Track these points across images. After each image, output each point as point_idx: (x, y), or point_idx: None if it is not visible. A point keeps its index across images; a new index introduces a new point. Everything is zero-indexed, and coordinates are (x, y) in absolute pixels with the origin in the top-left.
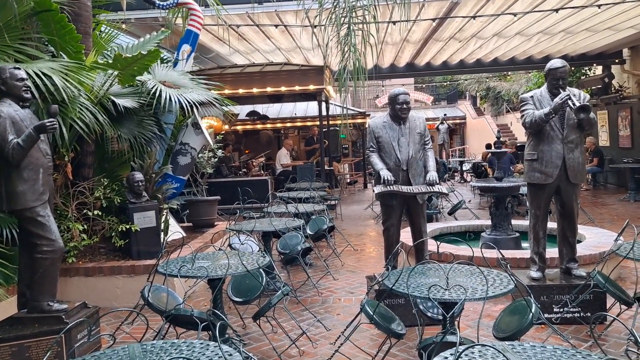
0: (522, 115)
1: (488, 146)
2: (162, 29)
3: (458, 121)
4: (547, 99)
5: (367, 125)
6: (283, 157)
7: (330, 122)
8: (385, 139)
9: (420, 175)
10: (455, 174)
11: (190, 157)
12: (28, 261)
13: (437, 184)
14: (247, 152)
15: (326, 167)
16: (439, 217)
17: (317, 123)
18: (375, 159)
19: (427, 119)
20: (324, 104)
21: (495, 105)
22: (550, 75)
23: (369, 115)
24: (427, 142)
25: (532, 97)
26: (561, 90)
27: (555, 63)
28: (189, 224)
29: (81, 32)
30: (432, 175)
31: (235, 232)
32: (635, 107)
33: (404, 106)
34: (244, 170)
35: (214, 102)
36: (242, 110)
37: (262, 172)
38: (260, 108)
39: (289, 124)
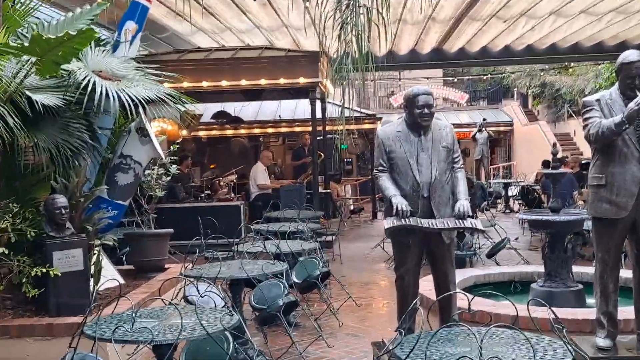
0: (586, 125)
1: (545, 164)
2: (99, 0)
3: (502, 128)
4: (619, 104)
5: (376, 135)
6: (260, 176)
7: (328, 128)
8: (399, 154)
9: (447, 205)
10: (498, 201)
11: (133, 174)
12: None
13: (471, 216)
14: (212, 167)
15: (321, 190)
16: (474, 260)
17: (309, 129)
18: (385, 181)
19: (461, 125)
20: (318, 103)
21: (552, 107)
22: (624, 72)
23: (380, 119)
24: (457, 159)
25: (598, 100)
26: (638, 93)
27: (631, 55)
28: (129, 267)
29: None
30: (463, 204)
31: (193, 279)
32: None
33: (426, 110)
34: (208, 192)
35: (167, 99)
36: (207, 110)
37: (233, 195)
38: (232, 108)
39: (270, 130)
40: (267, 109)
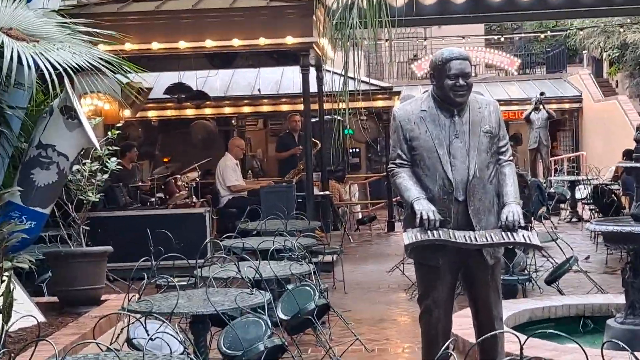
0: None
1: (627, 154)
2: None
3: (567, 106)
4: None
5: (392, 116)
6: (230, 173)
7: (326, 107)
8: (424, 143)
9: (491, 212)
10: (562, 206)
11: (56, 171)
12: None
13: (524, 227)
14: (166, 160)
15: (317, 192)
16: (529, 288)
17: (300, 108)
18: (405, 180)
19: (510, 102)
20: (313, 73)
21: (637, 76)
22: None
23: (397, 93)
24: (504, 149)
25: None
26: None
27: None
28: (52, 299)
29: None
30: (513, 211)
31: (139, 315)
32: None
33: (460, 82)
34: (160, 196)
35: (103, 67)
36: (159, 82)
37: (195, 199)
38: (193, 79)
39: (246, 109)
40: (242, 80)
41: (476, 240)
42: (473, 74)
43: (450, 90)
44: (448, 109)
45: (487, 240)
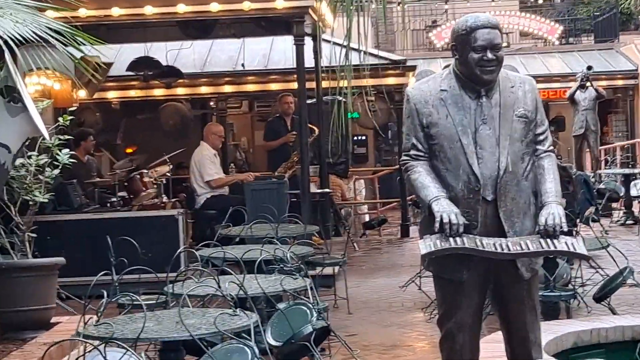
0: None
1: None
2: None
3: (620, 82)
4: None
5: (405, 97)
6: (208, 165)
7: (325, 85)
8: (445, 130)
9: (526, 214)
10: (614, 205)
11: None
12: None
13: (567, 233)
14: (130, 152)
15: (314, 189)
16: (573, 306)
17: (293, 87)
18: (421, 176)
19: (550, 78)
20: (309, 44)
21: None
22: None
23: (412, 69)
24: (543, 137)
25: None
26: None
27: None
28: None
29: None
30: (554, 213)
31: (98, 342)
32: None
33: (489, 55)
34: (123, 195)
35: (52, 38)
36: (121, 56)
37: (165, 199)
38: (163, 52)
39: (227, 89)
40: (223, 54)
41: (509, 249)
42: (504, 45)
43: (476, 65)
44: (474, 89)
45: (522, 249)
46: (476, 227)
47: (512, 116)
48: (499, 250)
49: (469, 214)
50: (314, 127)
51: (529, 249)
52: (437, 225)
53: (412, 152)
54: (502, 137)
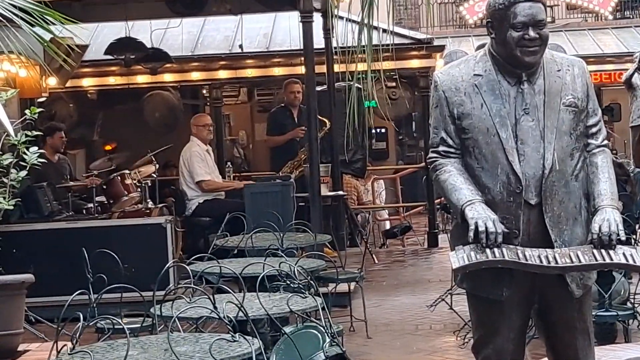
0: None
1: None
2: None
3: None
4: None
5: (432, 83)
6: (197, 163)
7: (337, 70)
8: (479, 121)
9: (576, 220)
10: None
11: None
12: None
13: (624, 242)
14: (108, 149)
15: (325, 192)
16: (632, 328)
17: (301, 72)
18: (452, 176)
19: (602, 59)
20: (318, 21)
21: None
22: None
23: (440, 49)
24: (595, 129)
25: None
26: None
27: None
28: None
29: None
30: (609, 218)
31: None
32: None
33: (531, 34)
34: (101, 200)
35: (17, 17)
36: (98, 38)
37: (151, 204)
38: (147, 32)
39: (222, 74)
40: (217, 33)
41: (556, 262)
42: (549, 20)
43: (516, 45)
44: (513, 73)
45: (572, 262)
46: (517, 236)
47: (558, 105)
48: (545, 263)
49: (509, 220)
50: (324, 119)
51: (580, 261)
52: (471, 234)
53: (441, 148)
54: (548, 130)
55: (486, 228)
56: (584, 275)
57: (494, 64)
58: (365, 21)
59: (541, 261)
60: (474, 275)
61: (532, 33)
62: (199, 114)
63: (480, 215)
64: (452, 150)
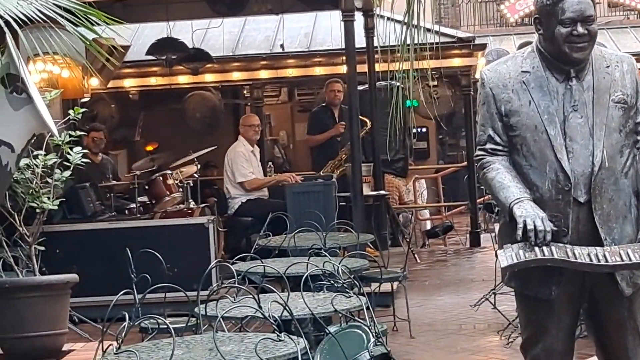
0: None
1: None
2: None
3: None
4: None
5: (479, 80)
6: (241, 162)
7: (379, 69)
8: (527, 118)
9: (626, 218)
10: None
11: None
12: None
13: None
14: (150, 149)
15: (367, 192)
16: None
17: (342, 71)
18: (500, 174)
19: None
20: (359, 20)
21: None
22: None
23: (482, 47)
24: None
25: None
26: None
27: None
28: None
29: None
30: None
31: None
32: None
33: (580, 29)
34: (144, 200)
35: (61, 17)
36: (140, 38)
37: (193, 204)
38: (188, 32)
39: (263, 74)
40: (258, 33)
41: (606, 260)
42: (596, 16)
43: (564, 41)
44: (561, 70)
45: (623, 260)
46: (566, 235)
47: (608, 101)
48: (595, 261)
49: (558, 218)
50: (365, 119)
51: (630, 259)
52: (519, 232)
53: (489, 145)
54: (597, 127)
55: (535, 226)
56: (634, 273)
57: (541, 61)
58: (409, 20)
59: (591, 259)
60: (523, 273)
61: (580, 29)
62: (248, 114)
63: (528, 213)
64: (499, 147)
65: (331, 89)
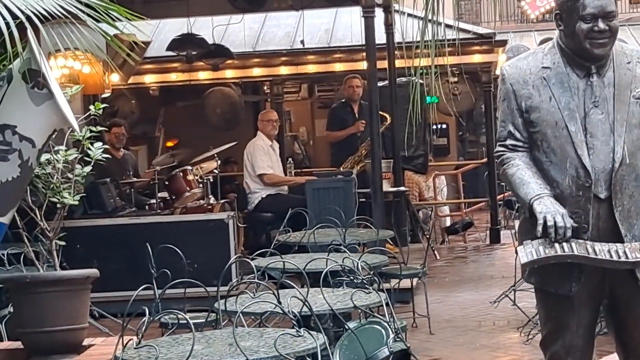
0: None
1: None
2: None
3: None
4: None
5: (499, 76)
6: (260, 156)
7: (398, 65)
8: (548, 114)
9: None
10: None
11: (17, 162)
12: None
13: None
14: (170, 145)
15: (387, 188)
16: None
17: (362, 66)
18: (520, 170)
19: None
20: (379, 16)
21: None
22: None
23: (502, 44)
24: None
25: None
26: None
27: None
28: (14, 344)
29: None
30: None
31: None
32: None
33: (600, 25)
34: (164, 196)
35: (82, 12)
36: (161, 34)
37: (213, 199)
38: (209, 28)
39: (283, 70)
40: (278, 29)
41: (626, 257)
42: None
43: (585, 37)
44: (582, 66)
45: None
46: (587, 231)
47: (629, 98)
48: (615, 257)
49: (578, 214)
50: (385, 115)
51: None
52: (539, 228)
53: (509, 141)
54: (618, 123)
55: (555, 222)
56: None
57: (562, 57)
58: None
59: (611, 256)
60: (543, 270)
61: (601, 25)
62: (267, 109)
63: (549, 209)
64: (520, 143)
65: (350, 84)
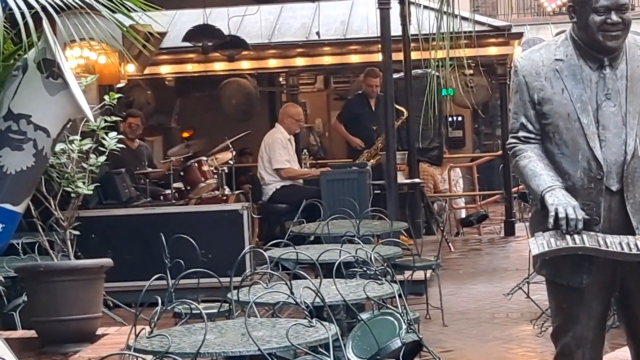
0: None
1: None
2: None
3: None
4: None
5: (512, 68)
6: (278, 150)
7: (414, 57)
8: (560, 106)
9: None
10: None
11: (33, 152)
12: None
13: None
14: (186, 136)
15: (402, 180)
16: None
17: (377, 58)
18: (532, 162)
19: None
20: (395, 7)
21: None
22: None
23: (518, 36)
24: None
25: None
26: None
27: None
28: (28, 333)
29: None
30: None
31: (152, 357)
32: None
33: (613, 17)
34: (179, 186)
35: (98, 2)
36: (176, 25)
37: (227, 190)
38: (225, 19)
39: (299, 61)
40: (294, 20)
41: (637, 249)
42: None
43: (598, 30)
44: (595, 58)
45: None
46: (598, 223)
47: None
48: (626, 250)
49: (590, 207)
50: (402, 109)
51: None
52: (551, 220)
53: (521, 133)
54: (630, 116)
55: (566, 214)
56: None
57: (575, 49)
58: (445, 8)
59: (622, 248)
60: (554, 262)
61: (614, 17)
62: (291, 103)
63: (560, 201)
64: (532, 135)
65: (369, 83)
